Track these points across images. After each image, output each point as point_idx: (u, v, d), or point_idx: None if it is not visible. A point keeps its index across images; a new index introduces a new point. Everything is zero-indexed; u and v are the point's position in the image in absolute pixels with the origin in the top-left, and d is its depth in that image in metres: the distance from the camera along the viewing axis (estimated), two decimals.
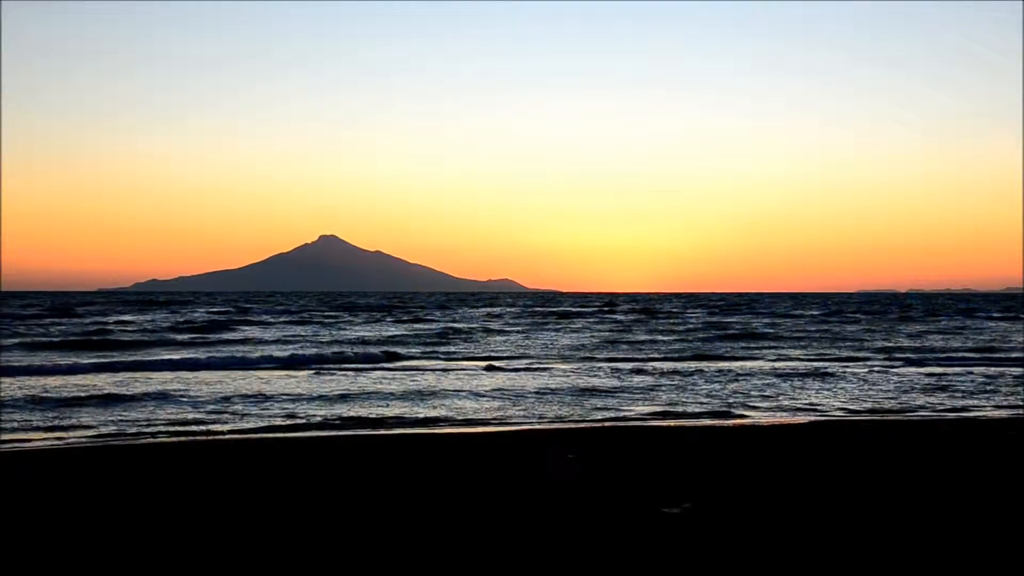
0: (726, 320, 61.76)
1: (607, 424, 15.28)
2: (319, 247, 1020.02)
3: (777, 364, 27.75)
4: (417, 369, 25.92)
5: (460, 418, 16.10)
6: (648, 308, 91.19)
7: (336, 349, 33.13)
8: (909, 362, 28.72)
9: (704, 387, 21.06)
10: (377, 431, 14.55)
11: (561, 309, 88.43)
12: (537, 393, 19.73)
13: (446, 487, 9.23)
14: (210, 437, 13.69)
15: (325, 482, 9.52)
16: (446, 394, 19.52)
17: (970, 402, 18.68)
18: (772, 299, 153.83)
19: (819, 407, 17.80)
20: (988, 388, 21.08)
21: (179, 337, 39.95)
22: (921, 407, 17.98)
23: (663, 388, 20.83)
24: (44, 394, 18.65)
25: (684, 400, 18.74)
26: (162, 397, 18.34)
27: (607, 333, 45.79)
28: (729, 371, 25.10)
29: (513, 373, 24.62)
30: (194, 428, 14.68)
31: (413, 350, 33.69)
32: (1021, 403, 18.62)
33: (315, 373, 24.05)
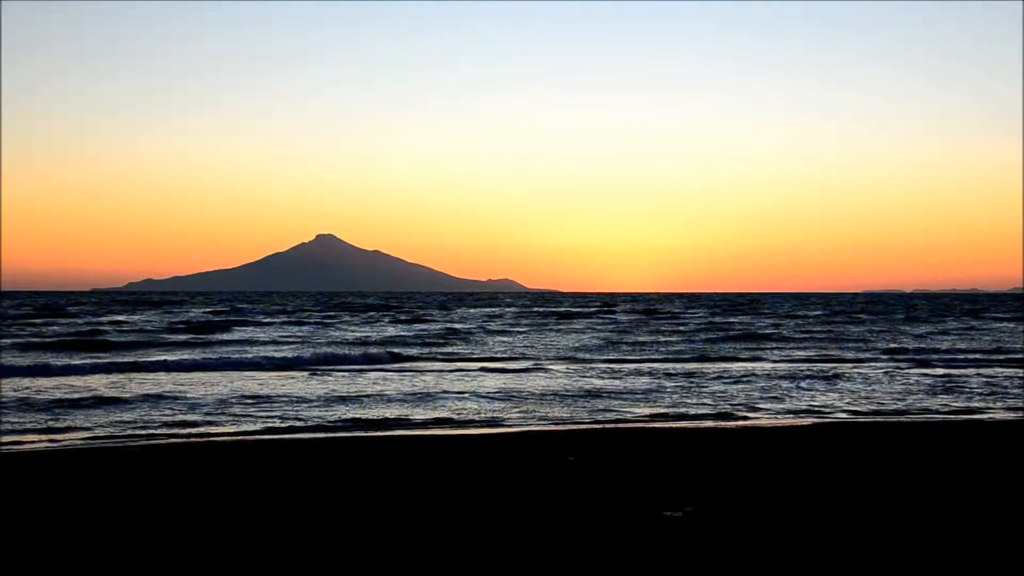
0: (728, 320, 61.50)
1: (608, 426, 15.12)
2: (316, 246, 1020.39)
3: (781, 365, 27.47)
4: (416, 370, 25.66)
5: (460, 419, 15.92)
6: (649, 308, 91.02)
7: (335, 350, 32.86)
8: (916, 363, 28.44)
9: (706, 389, 20.80)
10: (377, 433, 14.37)
11: (562, 309, 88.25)
12: (538, 394, 19.52)
13: (446, 489, 9.10)
14: (208, 439, 13.50)
15: (324, 484, 9.35)
16: (446, 395, 19.29)
17: (979, 404, 18.42)
18: (774, 299, 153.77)
19: (824, 409, 17.57)
20: (997, 390, 20.80)
21: (174, 338, 39.66)
22: (928, 409, 17.75)
23: (665, 390, 20.59)
24: (37, 396, 18.42)
25: (686, 402, 18.51)
26: (158, 399, 18.12)
27: (608, 334, 45.51)
28: (732, 372, 24.85)
29: (513, 374, 24.39)
30: (191, 430, 14.48)
31: (412, 351, 33.41)
32: None
33: (313, 374, 23.81)
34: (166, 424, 15.06)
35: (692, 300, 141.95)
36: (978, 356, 31.23)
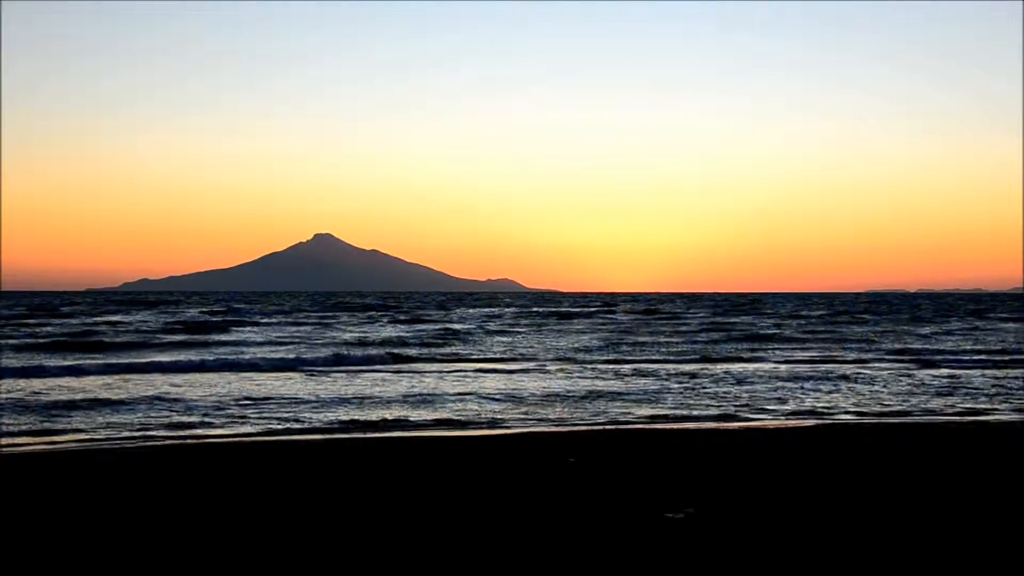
0: (730, 321, 61.29)
1: (609, 427, 15.00)
2: (314, 246, 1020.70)
3: (784, 366, 27.25)
4: (416, 371, 25.45)
5: (461, 420, 15.75)
6: (650, 308, 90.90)
7: (333, 350, 32.59)
8: (921, 364, 28.21)
9: (709, 389, 20.59)
10: (377, 434, 14.21)
11: (562, 309, 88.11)
12: (538, 395, 19.33)
13: (447, 491, 9.02)
14: (205, 441, 13.36)
15: (323, 487, 9.22)
16: (446, 396, 19.10)
17: (985, 405, 18.20)
18: (776, 299, 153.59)
19: (828, 410, 17.40)
20: (1003, 391, 20.56)
21: (170, 338, 39.39)
22: (933, 410, 17.57)
23: (667, 390, 20.40)
24: (32, 397, 18.22)
25: (688, 403, 18.34)
26: (154, 400, 17.93)
27: (608, 334, 45.30)
28: (734, 373, 24.67)
29: (513, 375, 24.20)
30: (188, 432, 14.32)
31: (412, 351, 33.19)
32: None
33: (311, 375, 23.59)
34: (163, 426, 14.90)
35: (693, 300, 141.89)
36: (983, 357, 30.96)
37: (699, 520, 7.73)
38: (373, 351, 32.18)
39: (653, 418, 16.23)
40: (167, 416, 15.90)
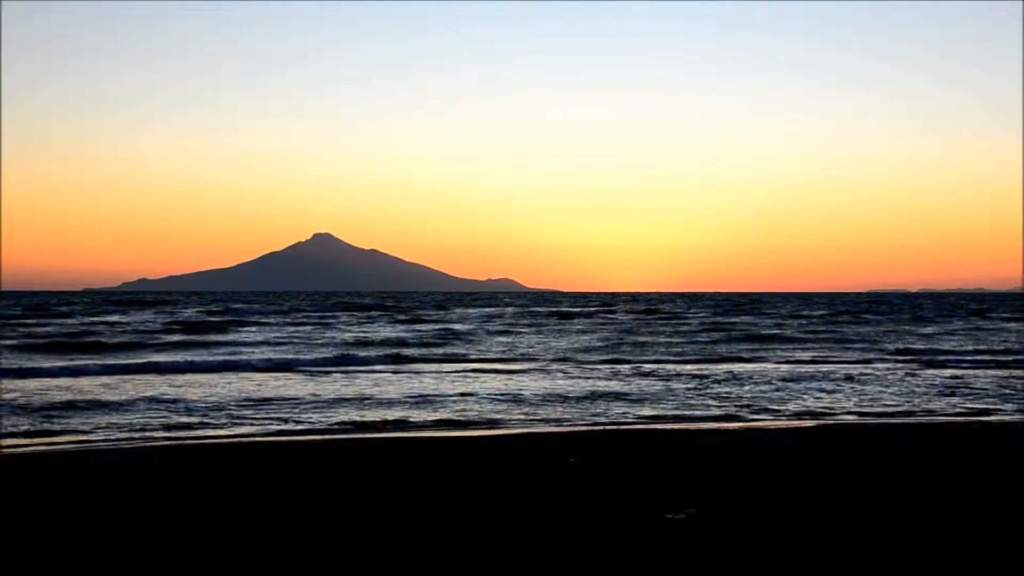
0: (730, 321, 61.19)
1: (610, 427, 14.94)
2: (313, 245, 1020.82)
3: (785, 366, 27.17)
4: (415, 371, 25.38)
5: (461, 421, 15.69)
6: (650, 308, 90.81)
7: (333, 350, 32.52)
8: (924, 364, 28.12)
9: (710, 390, 20.54)
10: (376, 435, 14.15)
11: (562, 309, 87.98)
12: (539, 395, 19.26)
13: (447, 491, 8.98)
14: (204, 441, 13.30)
15: (323, 487, 9.17)
16: (446, 396, 19.03)
17: (988, 405, 18.14)
18: (777, 299, 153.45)
19: (829, 411, 17.34)
20: (1006, 391, 20.50)
21: (169, 339, 39.31)
22: (935, 411, 17.49)
23: (667, 391, 20.35)
24: (30, 398, 18.15)
25: (689, 403, 18.28)
26: (153, 401, 17.86)
27: (608, 334, 45.22)
28: (735, 373, 24.59)
29: (514, 375, 24.13)
30: (187, 432, 14.27)
31: (411, 351, 33.11)
32: None
33: (310, 375, 23.50)
34: (161, 426, 14.84)
35: (693, 300, 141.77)
36: (986, 357, 30.88)
37: (700, 521, 7.70)
38: (373, 351, 32.10)
39: (654, 418, 16.18)
40: (166, 417, 15.84)
